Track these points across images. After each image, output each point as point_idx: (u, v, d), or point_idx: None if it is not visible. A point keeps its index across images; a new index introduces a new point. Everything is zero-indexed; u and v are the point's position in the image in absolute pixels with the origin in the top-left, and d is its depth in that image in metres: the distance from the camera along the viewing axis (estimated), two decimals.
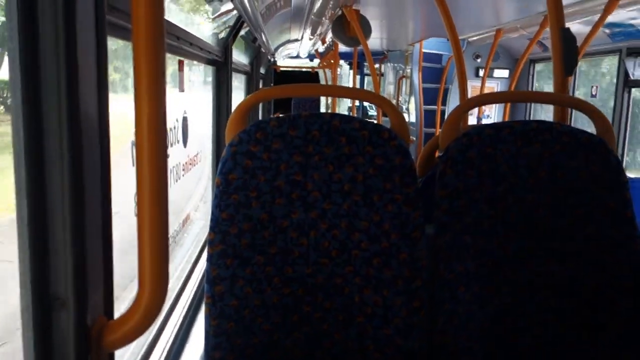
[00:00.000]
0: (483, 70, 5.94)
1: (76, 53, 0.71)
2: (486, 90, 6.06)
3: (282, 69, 11.60)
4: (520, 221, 1.50)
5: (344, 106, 13.35)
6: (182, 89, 2.29)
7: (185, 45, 2.03)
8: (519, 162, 1.50)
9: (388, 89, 9.90)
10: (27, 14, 0.68)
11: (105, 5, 0.83)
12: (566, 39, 1.68)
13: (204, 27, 2.91)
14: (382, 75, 10.28)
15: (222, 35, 3.25)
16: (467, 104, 1.61)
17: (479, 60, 6.64)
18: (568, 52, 1.68)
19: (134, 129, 0.75)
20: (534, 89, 6.22)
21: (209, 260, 1.35)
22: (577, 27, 3.68)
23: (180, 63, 2.19)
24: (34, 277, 0.71)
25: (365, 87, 11.96)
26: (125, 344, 0.80)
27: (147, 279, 0.77)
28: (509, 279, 1.50)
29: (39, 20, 0.68)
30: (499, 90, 6.57)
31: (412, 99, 7.60)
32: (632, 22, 3.69)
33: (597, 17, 3.31)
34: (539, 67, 6.17)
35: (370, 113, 12.07)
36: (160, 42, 0.74)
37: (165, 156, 0.77)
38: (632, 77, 4.10)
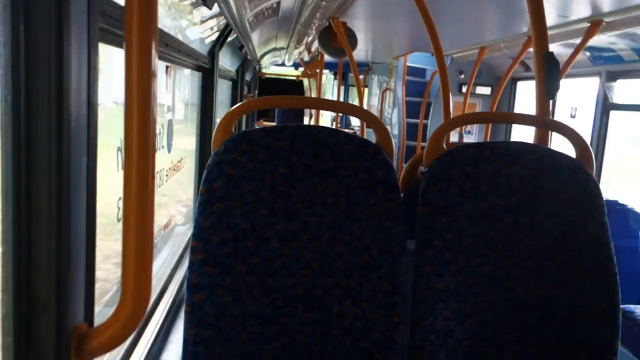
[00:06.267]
0: (466, 86, 6.00)
1: (69, 57, 0.71)
2: (468, 107, 6.12)
3: (267, 76, 11.62)
4: (501, 240, 1.52)
5: (327, 115, 13.38)
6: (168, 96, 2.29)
7: (174, 52, 2.03)
8: (500, 182, 1.52)
9: (372, 101, 9.95)
10: (19, 18, 0.68)
11: (98, 12, 0.83)
12: (549, 64, 1.71)
13: (190, 32, 2.90)
14: (366, 86, 10.34)
15: (209, 41, 3.24)
16: (451, 123, 1.64)
17: (462, 76, 6.71)
18: (551, 76, 1.72)
19: (123, 134, 0.75)
20: (514, 108, 6.31)
21: (190, 267, 1.34)
22: (558, 49, 3.75)
23: (168, 69, 2.18)
24: (16, 281, 0.70)
25: (349, 98, 12.00)
26: (105, 351, 0.80)
27: (130, 287, 0.77)
28: (487, 297, 1.52)
29: (31, 22, 0.68)
30: (480, 106, 6.64)
31: (395, 112, 7.66)
32: (612, 46, 3.77)
33: (578, 40, 3.37)
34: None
35: (353, 123, 12.10)
36: (152, 50, 0.74)
37: (153, 161, 0.77)
38: (611, 101, 4.18)
